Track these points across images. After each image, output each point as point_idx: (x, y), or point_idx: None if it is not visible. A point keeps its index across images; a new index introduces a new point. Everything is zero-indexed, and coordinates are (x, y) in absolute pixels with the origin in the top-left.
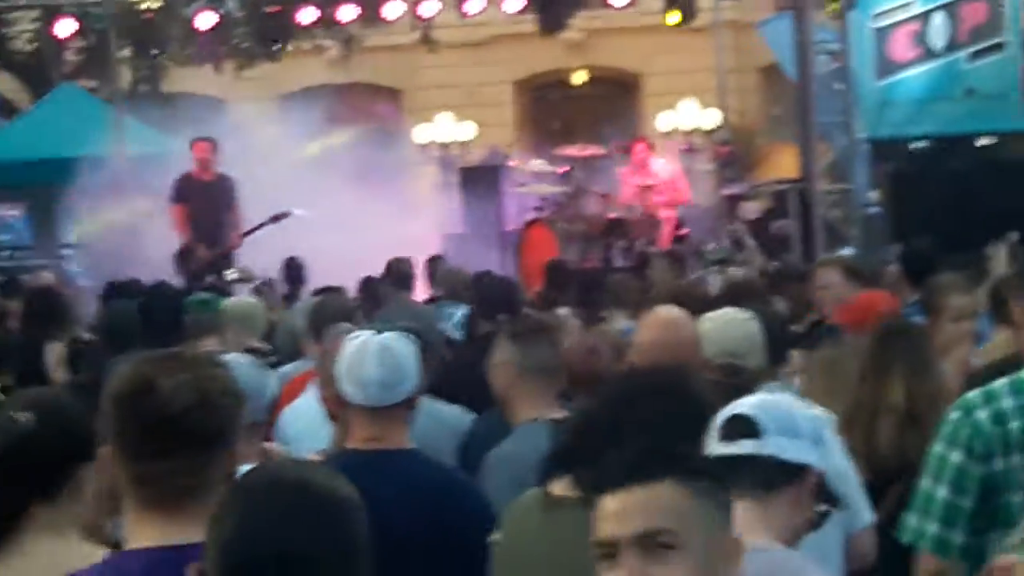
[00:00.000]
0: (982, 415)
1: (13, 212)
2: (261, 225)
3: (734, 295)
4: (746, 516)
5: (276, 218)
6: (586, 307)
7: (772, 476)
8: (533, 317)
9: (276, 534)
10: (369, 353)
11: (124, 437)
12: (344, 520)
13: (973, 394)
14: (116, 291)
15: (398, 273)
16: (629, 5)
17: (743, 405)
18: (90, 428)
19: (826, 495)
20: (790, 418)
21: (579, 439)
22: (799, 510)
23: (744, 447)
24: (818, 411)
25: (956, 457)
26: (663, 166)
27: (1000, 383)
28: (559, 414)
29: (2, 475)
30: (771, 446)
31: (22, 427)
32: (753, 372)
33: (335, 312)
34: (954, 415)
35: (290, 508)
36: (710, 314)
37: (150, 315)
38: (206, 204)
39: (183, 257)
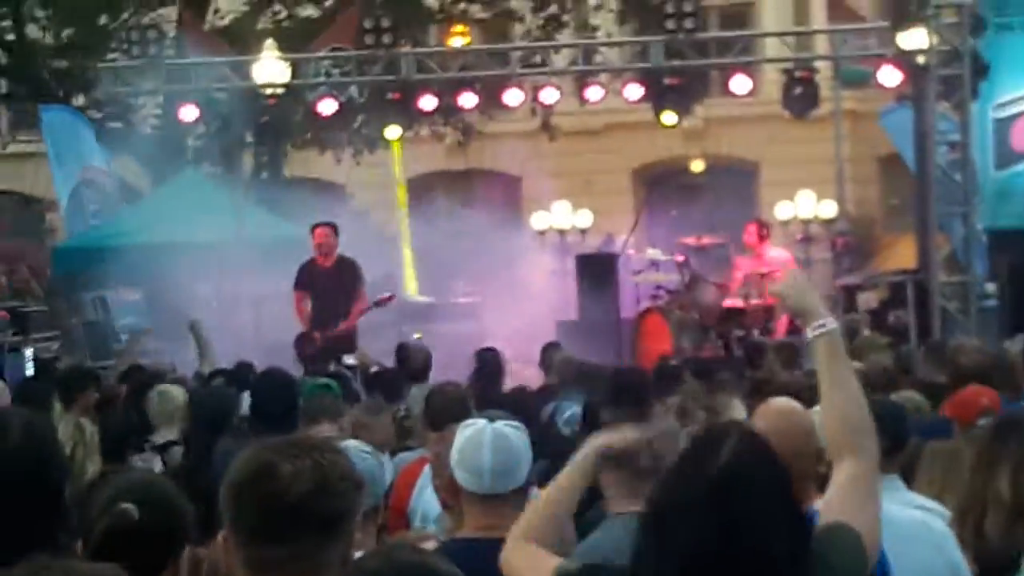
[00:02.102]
0: None
1: (134, 296)
2: (365, 310)
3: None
4: None
5: (379, 302)
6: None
7: None
8: (651, 405)
9: None
10: (484, 441)
11: (242, 522)
12: None
13: None
14: (223, 376)
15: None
16: (749, 94)
17: None
18: (189, 515)
19: None
20: None
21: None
22: None
23: None
24: (933, 504)
25: None
26: (778, 253)
27: None
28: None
29: (105, 561)
30: None
31: (127, 518)
32: None
33: (449, 400)
34: None
35: None
36: (818, 407)
37: (263, 400)
38: (327, 291)
39: (300, 343)
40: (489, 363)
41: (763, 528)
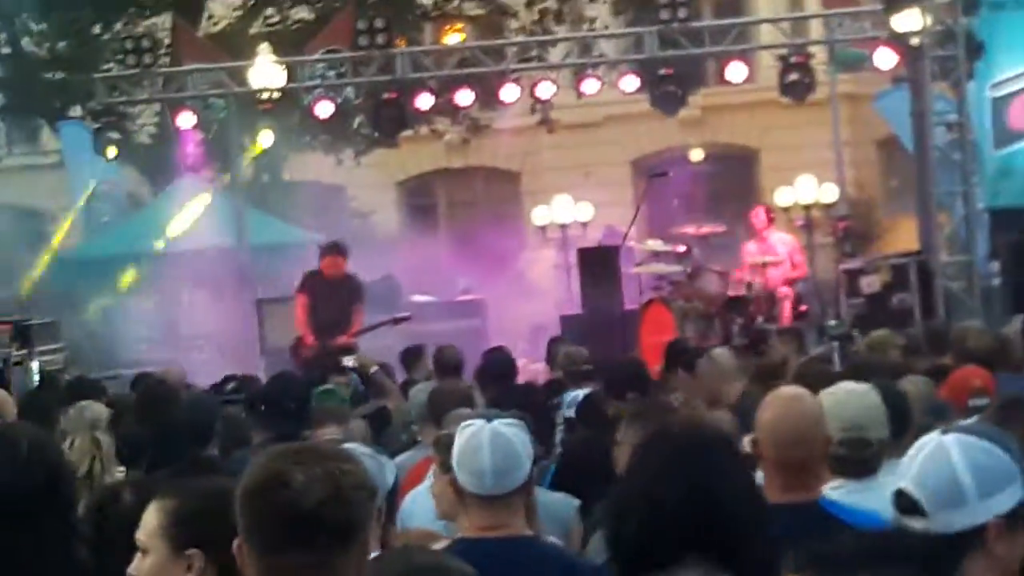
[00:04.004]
0: None
1: (144, 305)
2: (378, 325)
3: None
4: None
5: (396, 320)
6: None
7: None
8: (658, 398)
9: None
10: (483, 442)
11: (256, 530)
12: None
13: None
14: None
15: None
16: (746, 81)
17: (905, 478)
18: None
19: None
20: (954, 485)
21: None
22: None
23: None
24: None
25: None
26: (781, 239)
27: None
28: None
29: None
30: (938, 522)
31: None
32: (879, 445)
33: (453, 398)
34: None
35: None
36: (830, 388)
37: (275, 403)
38: (329, 300)
39: (296, 348)
40: (497, 364)
41: (725, 489)
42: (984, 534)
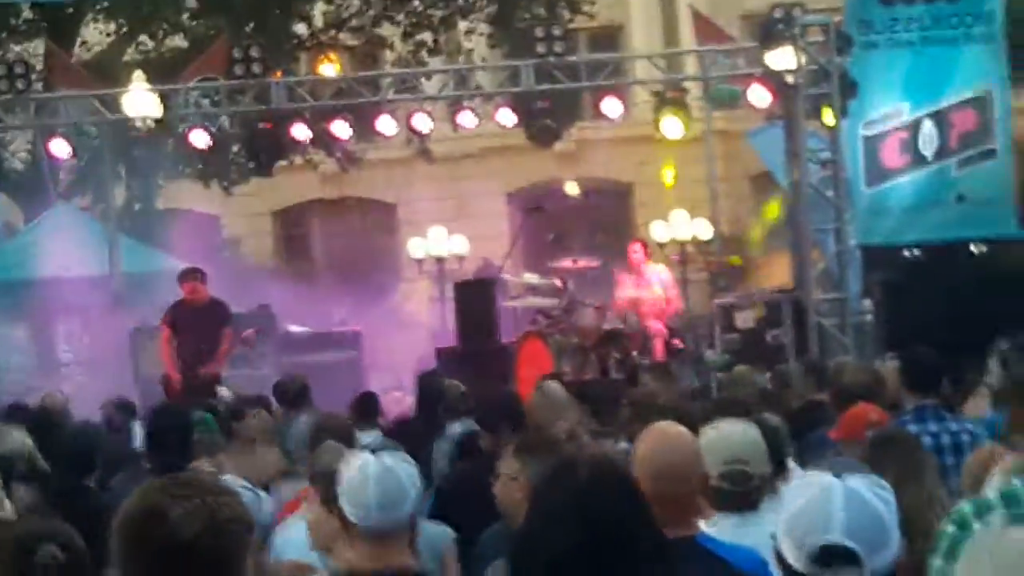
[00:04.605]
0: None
1: (17, 332)
2: (231, 348)
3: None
4: None
5: (244, 340)
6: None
7: None
8: (540, 431)
9: None
10: (369, 474)
11: (132, 563)
12: None
13: (967, 506)
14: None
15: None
16: (621, 116)
17: (835, 529)
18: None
19: None
20: (881, 527)
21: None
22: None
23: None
24: None
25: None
26: (657, 273)
27: (993, 493)
28: None
29: None
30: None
31: (57, 559)
32: (760, 480)
33: (332, 432)
34: (950, 528)
35: None
36: (710, 425)
37: (159, 433)
38: (193, 329)
39: (163, 384)
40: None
41: (625, 526)
42: (896, 565)
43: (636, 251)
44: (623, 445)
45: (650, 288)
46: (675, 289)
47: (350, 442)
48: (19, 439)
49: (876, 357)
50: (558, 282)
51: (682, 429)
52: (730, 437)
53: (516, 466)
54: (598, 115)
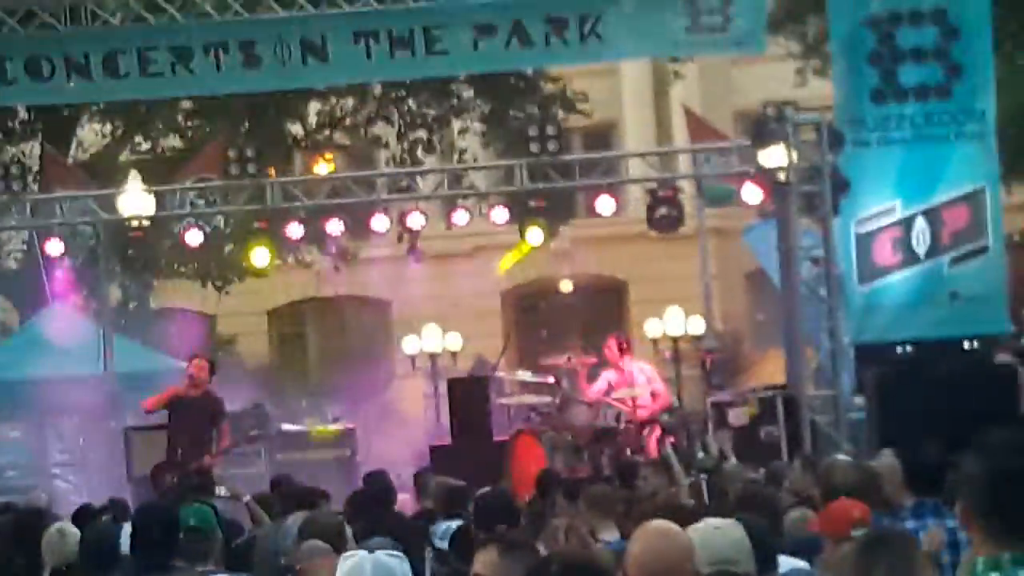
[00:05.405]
0: None
1: (13, 432)
2: (235, 445)
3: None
4: None
5: (251, 439)
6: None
7: None
8: (516, 531)
9: None
10: (366, 572)
11: None
12: None
13: None
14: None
15: (379, 487)
16: (614, 214)
17: None
18: None
19: None
20: None
21: None
22: None
23: None
24: None
25: None
26: (640, 368)
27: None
28: None
29: None
30: None
31: None
32: None
33: (322, 529)
34: None
35: None
36: (695, 525)
37: (143, 533)
38: (188, 422)
39: (153, 477)
40: (376, 488)
41: None
42: None
43: (611, 347)
44: (614, 539)
45: (634, 383)
46: (661, 383)
47: (338, 540)
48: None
49: (870, 453)
50: (551, 379)
51: (674, 526)
52: (715, 537)
53: (489, 564)
54: (592, 213)
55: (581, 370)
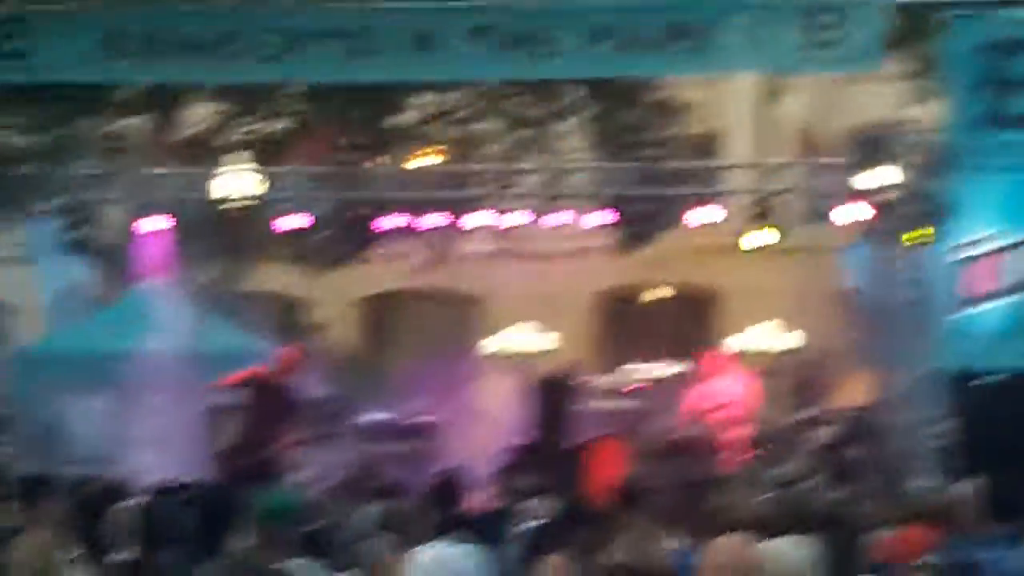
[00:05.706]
0: None
1: (96, 405)
2: (305, 443)
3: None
4: None
5: (321, 437)
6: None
7: None
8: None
9: None
10: (441, 563)
11: None
12: None
13: None
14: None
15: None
16: (712, 223)
17: None
18: None
19: None
20: None
21: None
22: None
23: None
24: None
25: None
26: (731, 384)
27: None
28: None
29: None
30: None
31: None
32: None
33: (399, 521)
34: None
35: None
36: (771, 541)
37: (208, 514)
38: (268, 407)
39: (226, 460)
40: (449, 483)
41: None
42: None
43: (710, 361)
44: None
45: (726, 396)
46: (754, 399)
47: (415, 532)
48: None
49: (952, 481)
50: (638, 386)
51: (747, 540)
52: (787, 554)
53: (563, 566)
54: (689, 221)
55: (671, 379)
